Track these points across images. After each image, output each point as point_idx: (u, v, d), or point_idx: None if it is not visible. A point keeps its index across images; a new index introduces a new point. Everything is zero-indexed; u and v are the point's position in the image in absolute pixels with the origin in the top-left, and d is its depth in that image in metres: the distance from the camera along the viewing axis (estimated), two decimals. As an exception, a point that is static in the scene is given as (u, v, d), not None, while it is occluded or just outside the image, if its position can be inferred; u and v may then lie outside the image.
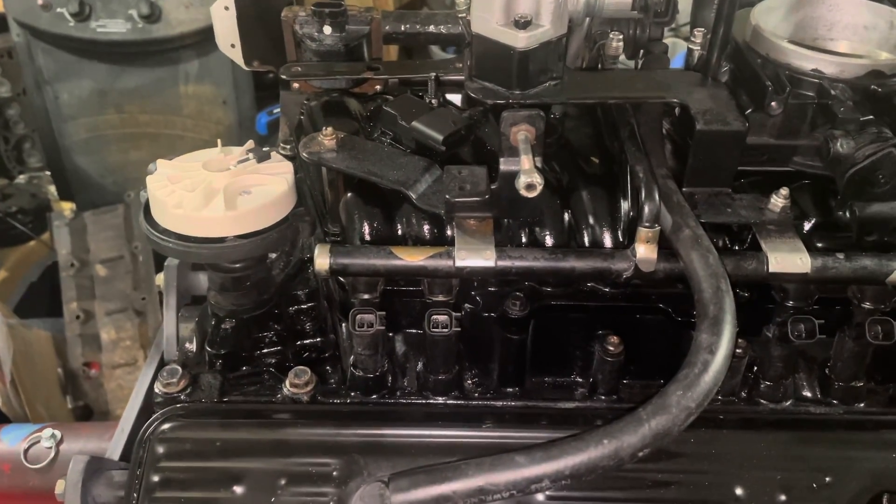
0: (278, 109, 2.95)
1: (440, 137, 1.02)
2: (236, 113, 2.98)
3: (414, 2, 3.44)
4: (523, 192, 0.83)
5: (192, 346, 1.20)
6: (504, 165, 0.90)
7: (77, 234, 2.79)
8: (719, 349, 0.79)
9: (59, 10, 2.66)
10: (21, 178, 3.21)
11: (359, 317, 0.97)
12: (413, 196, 0.97)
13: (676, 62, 1.26)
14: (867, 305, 0.97)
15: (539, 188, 0.83)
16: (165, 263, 1.46)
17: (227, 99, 2.96)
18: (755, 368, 1.03)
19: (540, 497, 0.87)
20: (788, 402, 1.03)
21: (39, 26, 2.69)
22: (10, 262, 2.84)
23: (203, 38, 2.79)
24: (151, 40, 2.78)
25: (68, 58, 2.81)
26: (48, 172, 3.12)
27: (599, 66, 1.16)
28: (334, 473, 0.87)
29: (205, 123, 2.97)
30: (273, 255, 1.22)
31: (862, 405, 1.02)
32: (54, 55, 2.81)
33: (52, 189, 3.10)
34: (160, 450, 0.89)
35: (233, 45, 1.35)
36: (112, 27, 2.74)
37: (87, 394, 2.64)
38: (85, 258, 2.77)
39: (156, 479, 0.87)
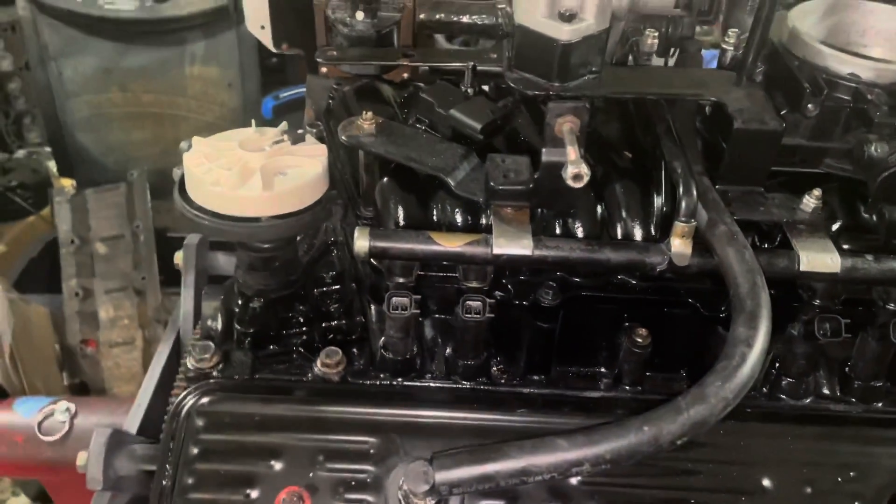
0: (285, 94, 2.95)
1: (478, 126, 1.03)
2: (241, 96, 2.97)
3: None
4: (570, 182, 0.85)
5: (215, 324, 1.20)
6: (547, 156, 0.91)
7: (78, 211, 2.77)
8: (756, 342, 0.80)
9: (67, -16, 2.64)
10: (20, 153, 3.18)
11: (394, 300, 0.98)
12: (452, 183, 0.98)
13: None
14: (892, 307, 0.99)
15: (586, 179, 0.84)
16: (185, 242, 1.46)
17: (232, 82, 2.95)
18: (777, 365, 1.06)
19: (573, 481, 0.89)
20: (809, 400, 1.05)
21: (46, 1, 2.67)
22: (10, 237, 2.82)
23: (211, 20, 2.77)
24: (159, 19, 2.76)
25: (74, 34, 2.79)
26: (48, 148, 3.10)
27: (630, 62, 1.18)
28: (371, 451, 0.88)
29: (209, 105, 2.95)
30: (298, 238, 1.23)
31: (880, 405, 1.04)
32: (60, 31, 2.78)
33: (52, 165, 3.08)
34: (200, 422, 0.90)
35: (262, 27, 1.35)
36: (120, 4, 2.72)
37: (84, 371, 2.63)
38: (85, 235, 2.76)
39: (195, 450, 0.88)
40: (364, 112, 1.02)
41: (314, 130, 1.24)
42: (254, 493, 0.87)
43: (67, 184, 2.94)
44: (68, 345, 2.62)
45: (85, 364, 2.63)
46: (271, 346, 1.10)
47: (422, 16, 1.25)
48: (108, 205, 2.81)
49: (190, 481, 0.89)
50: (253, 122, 1.15)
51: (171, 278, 2.54)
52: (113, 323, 2.70)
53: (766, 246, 1.02)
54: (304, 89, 1.39)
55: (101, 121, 2.94)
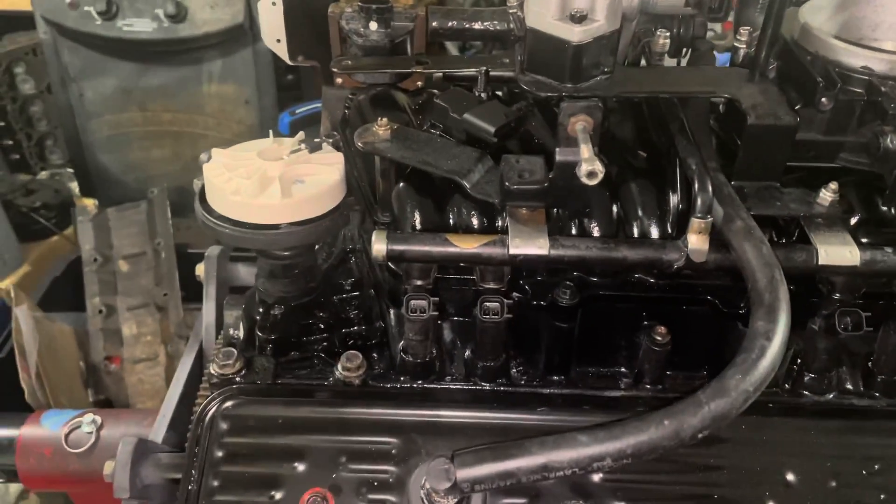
0: (301, 110, 2.98)
1: (492, 129, 1.04)
2: (258, 112, 3.00)
3: None
4: (584, 180, 0.85)
5: (237, 332, 1.22)
6: (561, 155, 0.92)
7: (100, 230, 2.81)
8: (776, 335, 0.80)
9: (86, 8, 2.69)
10: (43, 174, 3.24)
11: (413, 302, 0.99)
12: (467, 185, 0.99)
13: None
14: (913, 299, 0.98)
15: (600, 176, 0.85)
16: (206, 253, 1.48)
17: (249, 98, 2.98)
18: (798, 361, 1.05)
19: (595, 478, 0.89)
20: (832, 395, 1.04)
21: (66, 24, 2.72)
22: (34, 256, 2.86)
23: (227, 38, 2.81)
24: (177, 39, 2.80)
25: (94, 56, 2.84)
26: (69, 169, 3.15)
27: (643, 62, 1.18)
28: (393, 451, 0.89)
29: (227, 122, 2.99)
30: (316, 246, 1.24)
31: (904, 398, 1.04)
32: (80, 53, 2.83)
33: (74, 185, 3.13)
34: (224, 426, 0.91)
35: (278, 40, 1.38)
36: (138, 26, 2.76)
37: (108, 388, 2.66)
38: (108, 254, 2.79)
39: (220, 453, 0.89)
40: (379, 119, 1.03)
41: (331, 140, 1.26)
42: (278, 495, 0.88)
43: (89, 203, 2.98)
44: (92, 362, 2.65)
45: (109, 381, 2.66)
46: (292, 353, 1.12)
47: (434, 23, 1.26)
48: (130, 223, 2.85)
49: (215, 484, 0.90)
50: (271, 132, 1.16)
51: (192, 294, 2.56)
52: (136, 339, 2.73)
53: (783, 241, 1.02)
54: (320, 104, 1.41)
55: (121, 140, 2.98)
